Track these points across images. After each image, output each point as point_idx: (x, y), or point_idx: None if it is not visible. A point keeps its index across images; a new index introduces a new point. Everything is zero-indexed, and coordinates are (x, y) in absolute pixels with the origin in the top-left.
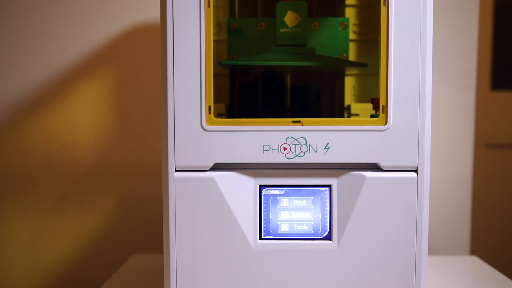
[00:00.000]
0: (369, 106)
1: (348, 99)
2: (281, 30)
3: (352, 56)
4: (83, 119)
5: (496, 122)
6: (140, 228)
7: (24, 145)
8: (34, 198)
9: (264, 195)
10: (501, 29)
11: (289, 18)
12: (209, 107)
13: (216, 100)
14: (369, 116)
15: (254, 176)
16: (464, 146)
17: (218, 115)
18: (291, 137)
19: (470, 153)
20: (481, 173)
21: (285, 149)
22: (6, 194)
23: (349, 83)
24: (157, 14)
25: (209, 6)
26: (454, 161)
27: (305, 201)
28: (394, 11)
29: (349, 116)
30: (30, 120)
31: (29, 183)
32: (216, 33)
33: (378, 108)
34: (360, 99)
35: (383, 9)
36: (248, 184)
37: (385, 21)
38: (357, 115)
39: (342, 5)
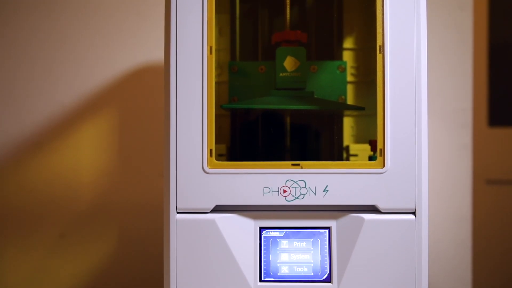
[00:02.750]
0: (368, 147)
1: (347, 139)
2: (281, 74)
3: (350, 97)
4: (85, 158)
5: (495, 158)
6: (140, 267)
7: (26, 182)
8: (34, 236)
9: (264, 237)
10: (496, 66)
11: (289, 63)
12: (211, 150)
13: (217, 141)
14: (367, 156)
15: (255, 218)
16: (463, 184)
17: (218, 155)
18: (291, 180)
19: (469, 190)
20: (481, 210)
21: (285, 191)
22: (6, 232)
23: (348, 124)
24: (160, 55)
25: (211, 53)
26: (453, 199)
27: (305, 243)
28: (390, 57)
29: (348, 157)
30: (32, 158)
31: (30, 221)
32: (218, 75)
33: (375, 149)
34: (358, 139)
35: (378, 56)
36: (248, 226)
37: (381, 67)
38: (355, 155)
39: (339, 48)
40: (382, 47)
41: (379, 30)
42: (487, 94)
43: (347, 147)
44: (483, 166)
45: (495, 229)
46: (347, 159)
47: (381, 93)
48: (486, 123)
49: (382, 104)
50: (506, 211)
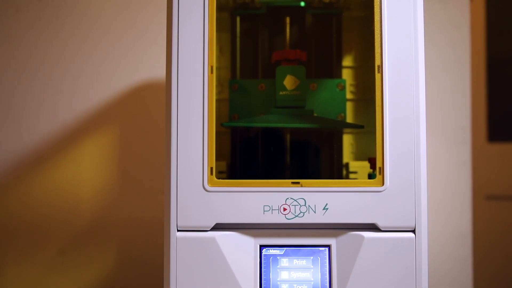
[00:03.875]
0: (367, 164)
1: (347, 156)
2: (281, 93)
3: (349, 115)
4: (86, 174)
5: (495, 174)
6: (140, 284)
7: (27, 198)
8: (34, 252)
9: (264, 255)
10: (495, 82)
11: (288, 82)
12: (211, 168)
13: (217, 158)
14: (367, 174)
15: (255, 236)
16: (463, 200)
17: (219, 172)
18: (291, 198)
19: (468, 206)
20: (481, 226)
21: (284, 209)
22: (6, 247)
23: (347, 141)
24: (161, 72)
25: (212, 72)
26: (453, 216)
27: (304, 261)
28: (388, 77)
29: (347, 174)
30: (33, 174)
31: (30, 237)
32: (218, 92)
33: (375, 167)
34: (358, 156)
35: (377, 75)
36: (248, 244)
37: (380, 87)
38: (355, 172)
39: (339, 66)
40: (381, 67)
41: (377, 50)
42: (486, 110)
43: (347, 164)
44: (483, 182)
45: (495, 246)
46: (347, 176)
47: (380, 112)
48: (485, 138)
49: (381, 123)
50: (507, 227)
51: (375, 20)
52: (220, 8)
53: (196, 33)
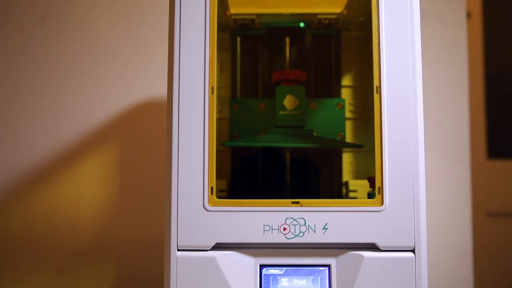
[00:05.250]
0: (367, 183)
1: (346, 175)
2: (281, 112)
3: (349, 134)
4: (87, 192)
5: (495, 190)
6: None
7: (27, 216)
8: (34, 270)
9: (265, 274)
10: (493, 100)
11: (288, 102)
12: (212, 188)
13: (217, 176)
14: (366, 193)
15: (255, 255)
16: (463, 218)
17: (219, 191)
18: (291, 218)
19: (469, 224)
20: (482, 243)
21: (284, 229)
22: (6, 265)
23: (347, 160)
24: (162, 91)
25: (212, 93)
26: (453, 234)
27: (304, 280)
28: (387, 98)
29: (347, 192)
30: (34, 191)
31: (29, 254)
32: (219, 111)
33: (374, 186)
34: (357, 175)
35: (376, 96)
36: (248, 264)
37: (378, 107)
38: (355, 191)
39: (338, 86)
40: (379, 88)
41: (375, 71)
42: (485, 127)
43: (347, 182)
44: (483, 199)
45: (496, 263)
46: (347, 195)
47: (379, 132)
48: (485, 155)
49: (379, 144)
50: (508, 244)
51: (373, 42)
52: (221, 28)
53: (198, 54)
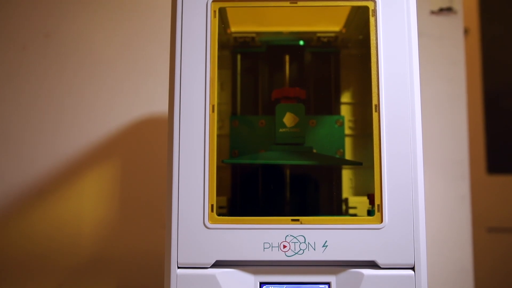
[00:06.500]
0: (366, 199)
1: (346, 191)
2: (280, 130)
3: (348, 151)
4: (87, 208)
5: (496, 206)
6: None
7: (27, 232)
8: (34, 285)
9: None
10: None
11: (288, 119)
12: (212, 205)
13: (217, 193)
14: (366, 210)
15: (255, 273)
16: (463, 234)
17: (219, 207)
18: (291, 235)
19: (469, 240)
20: (483, 259)
21: (284, 246)
22: (6, 280)
23: (347, 176)
24: (163, 107)
25: (213, 111)
26: (454, 250)
27: None
28: (385, 116)
29: (347, 209)
30: (35, 208)
31: (30, 270)
32: (219, 128)
33: (373, 203)
34: (357, 191)
35: (374, 114)
36: (248, 281)
37: (377, 125)
38: (355, 207)
39: (337, 103)
40: (378, 106)
41: (374, 90)
42: (484, 142)
43: (346, 199)
44: (484, 215)
45: (498, 279)
46: (346, 211)
47: (378, 150)
48: (485, 171)
49: (378, 161)
50: (510, 259)
51: (372, 60)
52: (221, 46)
53: (199, 73)
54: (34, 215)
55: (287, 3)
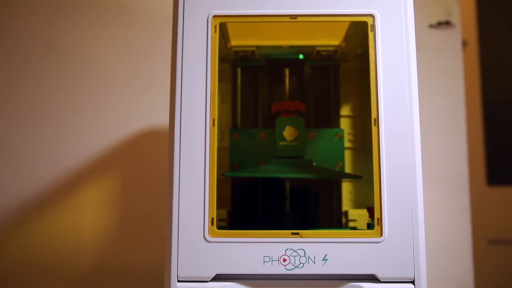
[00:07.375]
0: (366, 212)
1: (346, 204)
2: (280, 143)
3: (348, 163)
4: (87, 220)
5: (496, 217)
6: None
7: (28, 243)
8: None
9: None
10: (491, 126)
11: (288, 133)
12: (212, 219)
13: (217, 205)
14: (366, 223)
15: (255, 286)
16: (464, 247)
17: (219, 220)
18: (291, 249)
19: (469, 252)
20: (483, 271)
21: (284, 260)
22: None
23: (346, 189)
24: (163, 120)
25: (213, 125)
26: (454, 263)
27: None
28: (384, 130)
29: (347, 222)
30: (35, 220)
31: (30, 282)
32: (219, 141)
33: (373, 217)
34: (357, 204)
35: (374, 128)
36: None
37: (376, 139)
38: (354, 220)
39: (337, 116)
40: (377, 120)
41: (373, 104)
42: (484, 154)
43: (346, 212)
44: (485, 227)
45: None
46: (346, 224)
47: (377, 164)
48: (485, 183)
49: (378, 175)
50: (510, 272)
51: (371, 74)
52: (222, 60)
53: (199, 87)
54: (35, 227)
55: (287, 18)
